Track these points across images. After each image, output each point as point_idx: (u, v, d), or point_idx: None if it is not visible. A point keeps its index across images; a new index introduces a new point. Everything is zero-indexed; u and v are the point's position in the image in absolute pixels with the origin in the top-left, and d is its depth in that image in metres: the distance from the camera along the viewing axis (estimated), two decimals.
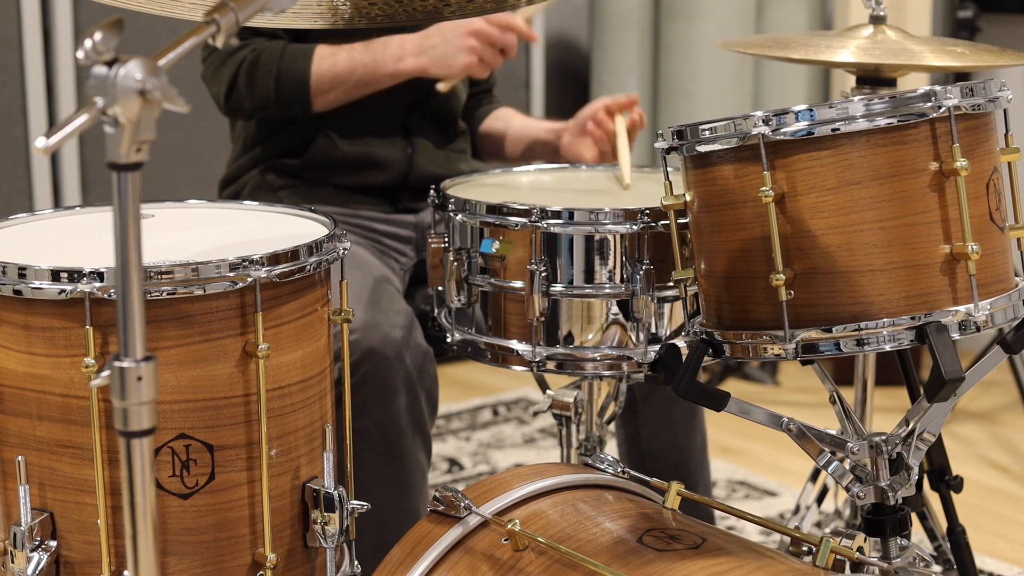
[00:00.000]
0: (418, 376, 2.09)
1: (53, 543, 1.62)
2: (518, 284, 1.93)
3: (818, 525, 2.55)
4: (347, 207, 2.37)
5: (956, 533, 2.24)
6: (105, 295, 1.55)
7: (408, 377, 2.07)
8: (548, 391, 2.15)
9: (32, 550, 1.60)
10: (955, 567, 2.26)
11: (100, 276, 1.55)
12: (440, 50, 2.23)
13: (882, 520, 1.75)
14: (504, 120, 2.58)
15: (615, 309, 1.92)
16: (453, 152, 2.46)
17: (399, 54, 2.25)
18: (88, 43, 1.15)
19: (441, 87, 2.30)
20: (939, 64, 2.07)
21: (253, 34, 2.31)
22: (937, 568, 2.31)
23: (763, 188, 1.60)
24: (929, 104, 1.59)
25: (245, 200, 2.38)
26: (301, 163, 2.37)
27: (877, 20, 2.17)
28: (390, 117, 2.37)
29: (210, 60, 2.33)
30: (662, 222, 1.88)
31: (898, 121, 1.59)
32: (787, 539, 1.74)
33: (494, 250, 1.96)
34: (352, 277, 2.11)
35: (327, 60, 2.26)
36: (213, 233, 1.83)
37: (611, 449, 2.18)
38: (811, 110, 1.60)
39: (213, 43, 1.28)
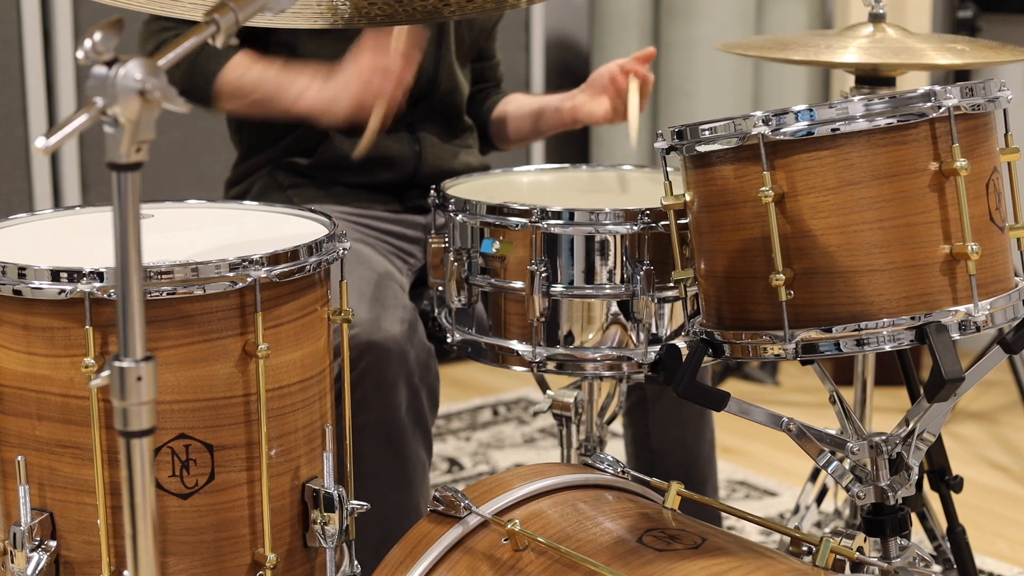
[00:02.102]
0: (419, 371, 2.09)
1: (53, 543, 1.62)
2: (518, 284, 1.93)
3: (818, 525, 2.55)
4: (357, 206, 2.37)
5: (956, 533, 2.24)
6: (105, 295, 1.55)
7: (409, 372, 2.07)
8: (548, 391, 2.15)
9: (32, 550, 1.60)
10: (955, 567, 2.26)
11: (100, 276, 1.55)
12: (328, 97, 2.17)
13: (882, 520, 1.75)
14: (512, 101, 2.57)
15: (615, 309, 1.92)
16: (460, 147, 2.46)
17: (300, 93, 2.20)
18: (88, 43, 1.15)
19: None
20: (940, 62, 2.07)
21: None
22: (937, 568, 2.31)
23: (763, 188, 1.60)
24: (929, 104, 1.59)
25: (253, 200, 2.38)
26: (311, 163, 2.37)
27: (876, 18, 2.17)
28: (395, 115, 2.37)
29: (142, 32, 2.32)
30: (662, 222, 1.88)
31: (898, 121, 1.59)
32: (787, 539, 1.74)
33: (494, 250, 1.96)
34: (356, 273, 2.11)
35: (239, 69, 2.25)
36: (213, 233, 1.83)
37: (611, 449, 2.18)
38: (811, 110, 1.60)
39: (213, 43, 1.28)
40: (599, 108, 2.34)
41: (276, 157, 2.40)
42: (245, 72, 2.26)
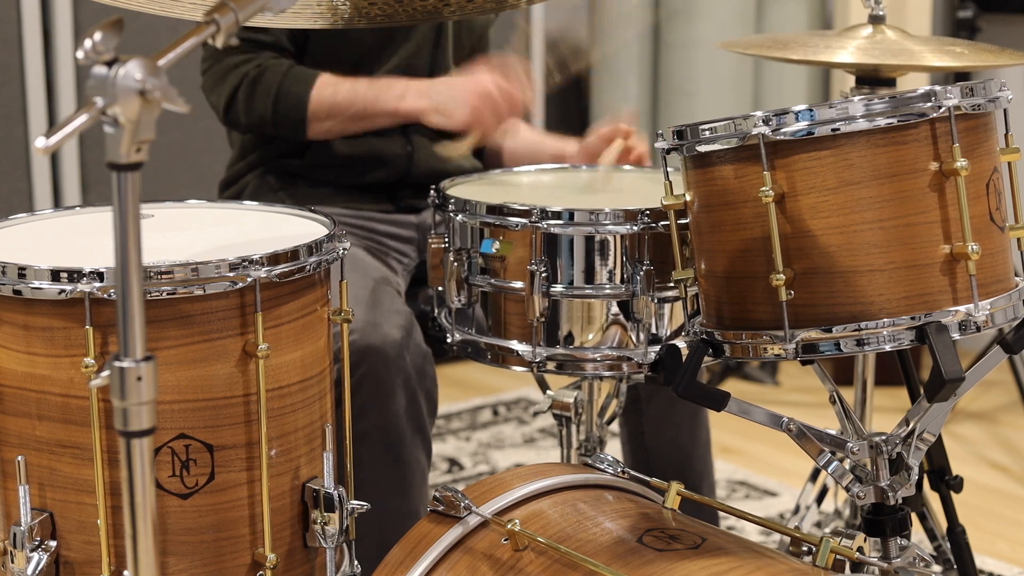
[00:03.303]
0: (417, 377, 2.09)
1: (53, 543, 1.62)
2: (518, 284, 1.93)
3: (818, 525, 2.55)
4: (349, 207, 2.37)
5: (956, 533, 2.24)
6: (105, 295, 1.55)
7: (407, 378, 2.07)
8: (548, 391, 2.15)
9: (32, 550, 1.60)
10: (955, 567, 2.26)
11: (100, 276, 1.55)
12: (444, 98, 2.22)
13: (882, 520, 1.75)
14: (507, 132, 2.57)
15: (615, 309, 1.92)
16: None
17: (402, 93, 2.24)
18: (88, 43, 1.15)
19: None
20: (938, 64, 2.07)
21: (260, 47, 2.29)
22: (937, 568, 2.31)
23: (763, 188, 1.60)
24: (929, 104, 1.59)
25: (246, 201, 2.38)
26: (302, 163, 2.37)
27: (876, 20, 2.17)
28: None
29: (211, 72, 2.32)
30: (662, 222, 1.88)
31: (898, 121, 1.59)
32: (787, 539, 1.74)
33: (494, 250, 1.96)
34: (351, 279, 2.10)
35: (328, 88, 2.25)
36: (213, 233, 1.83)
37: (611, 449, 2.18)
38: (811, 110, 1.60)
39: (213, 43, 1.28)
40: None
41: (268, 158, 2.40)
42: (336, 90, 2.25)
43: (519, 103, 2.23)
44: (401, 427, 2.08)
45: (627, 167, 2.35)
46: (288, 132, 2.28)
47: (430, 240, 2.04)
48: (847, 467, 1.75)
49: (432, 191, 2.09)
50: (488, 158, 2.56)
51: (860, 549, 1.67)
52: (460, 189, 2.14)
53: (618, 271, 1.91)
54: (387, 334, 2.05)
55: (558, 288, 1.91)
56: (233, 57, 2.29)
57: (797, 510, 2.48)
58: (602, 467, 1.78)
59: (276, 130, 2.29)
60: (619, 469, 1.78)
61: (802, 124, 1.60)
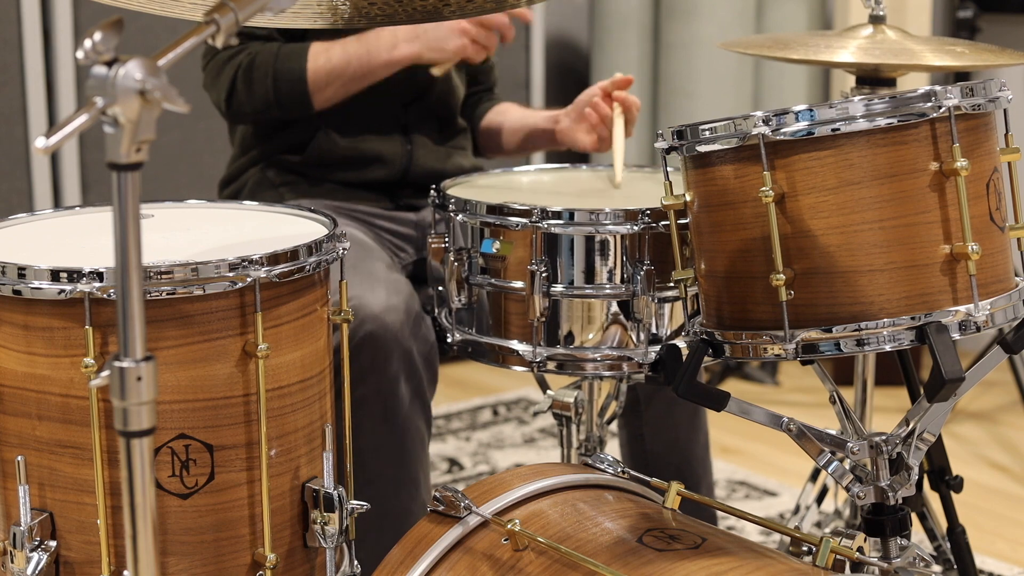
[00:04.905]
0: (415, 342, 2.09)
1: (53, 543, 1.62)
2: (518, 284, 1.93)
3: (818, 525, 2.55)
4: (349, 203, 2.37)
5: (956, 533, 2.24)
6: (105, 295, 1.55)
7: (406, 343, 2.07)
8: (548, 391, 2.15)
9: (32, 550, 1.60)
10: (955, 567, 2.26)
11: (100, 276, 1.55)
12: (432, 34, 2.26)
13: (882, 520, 1.75)
14: (502, 113, 2.58)
15: (615, 309, 1.92)
16: (453, 148, 2.47)
17: (392, 42, 2.27)
18: (88, 43, 1.15)
19: (435, 71, 2.32)
20: (939, 64, 2.07)
21: (248, 38, 2.31)
22: (937, 568, 2.31)
23: (763, 188, 1.60)
24: (929, 104, 1.59)
25: (246, 198, 2.38)
26: (302, 160, 2.38)
27: (876, 20, 2.17)
28: (388, 115, 2.38)
29: (209, 68, 2.35)
30: (662, 222, 1.89)
31: (898, 121, 1.59)
32: (787, 539, 1.74)
33: (494, 250, 1.96)
34: (349, 252, 2.11)
35: (322, 56, 2.27)
36: (213, 233, 1.83)
37: (611, 449, 2.18)
38: (811, 110, 1.60)
39: (213, 43, 1.28)
40: (584, 137, 2.37)
41: (267, 154, 2.40)
42: (328, 55, 2.28)
43: (504, 24, 2.28)
44: (400, 392, 2.08)
45: (626, 167, 2.35)
46: (293, 109, 2.30)
47: (430, 240, 2.04)
48: (847, 467, 1.75)
49: (432, 191, 2.09)
50: (487, 139, 2.57)
51: (860, 549, 1.67)
52: (460, 189, 2.14)
53: (618, 271, 1.91)
54: (385, 300, 2.05)
55: (558, 288, 1.91)
56: (225, 51, 2.31)
57: (797, 510, 2.48)
58: (602, 467, 1.78)
59: (280, 110, 2.30)
60: (619, 469, 1.78)
61: (802, 124, 1.60)
